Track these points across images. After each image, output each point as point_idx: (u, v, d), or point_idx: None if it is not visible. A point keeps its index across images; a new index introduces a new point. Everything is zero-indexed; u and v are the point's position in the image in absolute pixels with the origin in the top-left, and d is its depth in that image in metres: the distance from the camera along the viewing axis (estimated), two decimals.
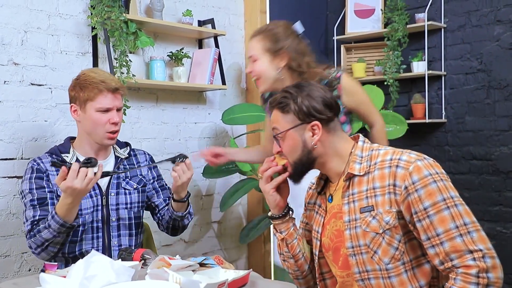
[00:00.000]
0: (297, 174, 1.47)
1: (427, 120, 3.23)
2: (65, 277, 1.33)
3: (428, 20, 3.22)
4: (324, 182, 1.53)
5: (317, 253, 1.52)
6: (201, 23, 3.07)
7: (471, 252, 1.25)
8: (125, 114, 2.51)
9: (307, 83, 1.49)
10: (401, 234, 1.35)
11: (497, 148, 3.08)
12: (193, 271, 1.46)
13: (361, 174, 1.39)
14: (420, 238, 1.33)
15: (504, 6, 3.04)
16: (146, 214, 2.72)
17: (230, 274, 1.46)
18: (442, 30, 3.27)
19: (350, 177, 1.42)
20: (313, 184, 1.60)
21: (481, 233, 1.28)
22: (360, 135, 1.49)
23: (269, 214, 1.55)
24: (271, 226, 3.33)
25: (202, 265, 1.56)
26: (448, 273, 1.30)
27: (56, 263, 1.45)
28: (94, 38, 2.58)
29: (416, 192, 1.30)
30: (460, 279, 1.25)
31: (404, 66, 3.30)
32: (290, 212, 1.54)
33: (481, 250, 1.25)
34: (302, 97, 1.42)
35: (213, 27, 3.03)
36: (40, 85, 2.43)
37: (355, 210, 1.40)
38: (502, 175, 3.07)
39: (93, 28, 2.52)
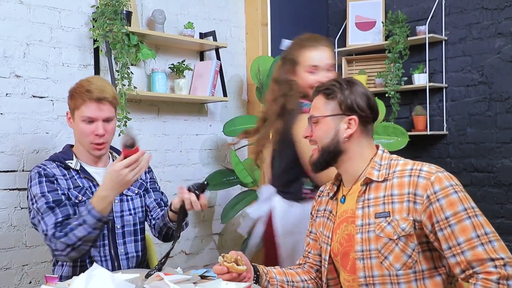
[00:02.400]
0: (322, 162, 1.49)
1: (428, 132, 3.23)
2: None
3: (429, 33, 3.23)
4: (336, 188, 1.56)
5: (326, 258, 1.53)
6: (202, 36, 3.08)
7: (492, 260, 1.27)
8: (126, 126, 2.52)
9: (357, 81, 1.53)
10: (415, 243, 1.36)
11: (499, 161, 3.08)
12: (194, 283, 1.45)
13: (379, 180, 1.42)
14: (441, 247, 1.34)
15: (505, 19, 3.05)
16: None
17: (231, 286, 1.45)
18: (443, 42, 3.29)
19: (367, 183, 1.44)
20: (322, 191, 1.63)
21: (501, 242, 1.30)
22: (380, 145, 1.52)
23: None
24: None
25: (203, 277, 1.55)
26: (468, 280, 1.31)
27: (56, 276, 1.44)
28: (96, 51, 2.59)
29: (438, 202, 1.32)
30: (481, 284, 1.26)
31: (405, 78, 3.31)
32: (258, 274, 1.52)
33: (502, 259, 1.27)
34: (350, 91, 1.47)
35: (215, 39, 3.05)
36: (41, 97, 2.43)
37: (370, 215, 1.41)
38: (504, 188, 3.06)
39: (95, 41, 2.54)
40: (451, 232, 1.30)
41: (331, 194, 1.56)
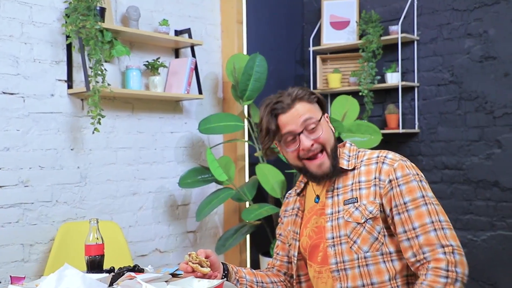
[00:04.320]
0: (334, 166, 1.44)
1: (400, 130, 3.29)
2: None
3: (401, 33, 3.28)
4: (304, 185, 1.59)
5: (295, 254, 1.55)
6: (177, 33, 3.07)
7: (442, 246, 1.33)
8: (99, 124, 2.49)
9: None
10: (381, 226, 1.41)
11: (468, 158, 3.16)
12: (166, 281, 1.45)
13: (349, 169, 1.47)
14: (395, 231, 1.40)
15: (474, 20, 3.12)
16: (121, 217, 2.70)
17: (204, 283, 1.46)
18: (415, 42, 3.35)
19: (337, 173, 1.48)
20: (290, 193, 1.66)
21: (453, 231, 1.37)
22: (347, 140, 1.59)
23: None
24: (248, 235, 3.33)
25: (174, 275, 1.55)
26: (417, 268, 1.37)
27: (23, 276, 1.42)
28: (69, 47, 2.56)
29: (399, 187, 1.39)
30: (431, 273, 1.32)
31: (379, 77, 3.36)
32: (227, 272, 1.54)
33: (451, 246, 1.34)
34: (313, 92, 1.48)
35: (190, 36, 3.04)
36: (12, 93, 2.39)
37: (339, 202, 1.46)
38: (473, 184, 3.14)
39: (67, 37, 2.50)
40: (408, 217, 1.37)
41: (298, 191, 1.59)
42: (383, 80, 3.39)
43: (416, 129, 3.34)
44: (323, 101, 1.49)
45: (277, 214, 3.20)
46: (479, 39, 3.11)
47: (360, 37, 3.46)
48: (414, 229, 1.36)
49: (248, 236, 3.37)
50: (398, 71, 3.33)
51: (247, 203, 3.22)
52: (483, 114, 3.10)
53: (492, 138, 3.07)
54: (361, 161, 1.47)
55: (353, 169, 1.47)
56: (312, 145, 1.43)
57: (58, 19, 2.54)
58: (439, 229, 1.35)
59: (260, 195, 3.24)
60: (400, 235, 1.38)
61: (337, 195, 1.47)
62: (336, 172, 1.46)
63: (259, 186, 3.11)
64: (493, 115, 3.07)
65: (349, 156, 1.50)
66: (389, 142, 3.38)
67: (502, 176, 3.03)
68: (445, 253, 1.32)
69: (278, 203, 3.17)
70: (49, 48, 2.51)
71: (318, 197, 1.53)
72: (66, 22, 2.48)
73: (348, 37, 3.55)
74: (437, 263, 1.32)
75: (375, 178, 1.42)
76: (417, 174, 1.43)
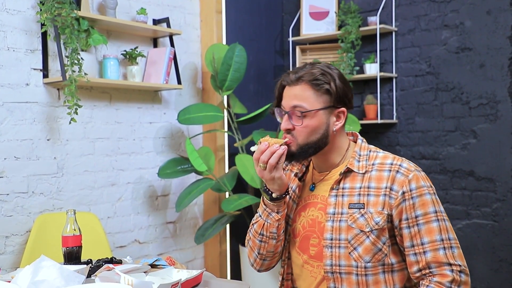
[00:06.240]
0: (300, 156, 1.41)
1: (379, 121, 3.32)
2: (9, 282, 1.30)
3: (380, 24, 3.30)
4: (305, 169, 1.53)
5: (286, 236, 1.52)
6: (156, 22, 3.04)
7: (450, 265, 1.32)
8: (76, 114, 2.46)
9: (333, 66, 1.44)
10: (387, 236, 1.38)
11: (444, 148, 3.21)
12: (144, 272, 1.45)
13: (360, 172, 1.40)
14: (402, 243, 1.37)
15: (451, 11, 3.16)
16: (101, 209, 2.67)
17: (183, 274, 1.46)
18: (393, 33, 3.37)
19: (345, 172, 1.42)
20: (286, 166, 1.57)
21: (460, 250, 1.36)
22: (358, 134, 1.51)
23: (274, 195, 1.43)
24: (227, 226, 3.34)
25: (153, 266, 1.55)
26: (420, 278, 1.35)
27: None
28: (44, 35, 2.51)
29: (412, 199, 1.35)
30: (433, 286, 1.31)
31: (357, 68, 3.38)
32: (288, 193, 1.48)
33: (459, 265, 1.33)
34: (339, 81, 1.40)
35: (168, 26, 3.01)
36: None
37: (343, 204, 1.40)
38: (449, 174, 3.19)
39: (42, 25, 2.45)
40: (417, 231, 1.34)
41: (299, 175, 1.53)
42: (361, 71, 3.42)
43: (394, 120, 3.38)
44: (341, 94, 1.39)
45: (256, 205, 3.20)
46: (455, 30, 3.15)
47: (339, 27, 3.47)
48: (422, 244, 1.33)
49: (227, 226, 3.38)
50: (376, 62, 3.36)
51: (227, 194, 3.22)
52: (459, 105, 3.15)
53: (468, 128, 3.12)
54: (373, 164, 1.41)
55: (365, 172, 1.40)
56: (289, 130, 1.41)
57: (32, 7, 2.48)
58: (448, 247, 1.33)
59: (240, 186, 3.24)
60: (408, 249, 1.35)
61: (342, 195, 1.41)
62: (296, 158, 1.42)
63: (239, 177, 3.11)
64: (469, 106, 3.12)
65: (360, 155, 1.43)
66: (368, 133, 3.42)
67: (477, 165, 3.09)
68: (452, 270, 1.32)
69: (257, 193, 3.18)
70: (24, 36, 2.45)
71: (313, 184, 1.48)
72: (40, 10, 2.42)
73: (327, 27, 3.55)
74: (442, 278, 1.31)
75: (386, 188, 1.36)
76: (431, 187, 1.38)
